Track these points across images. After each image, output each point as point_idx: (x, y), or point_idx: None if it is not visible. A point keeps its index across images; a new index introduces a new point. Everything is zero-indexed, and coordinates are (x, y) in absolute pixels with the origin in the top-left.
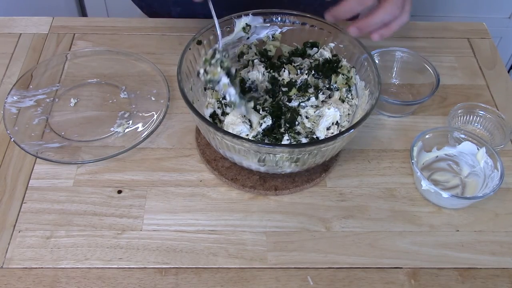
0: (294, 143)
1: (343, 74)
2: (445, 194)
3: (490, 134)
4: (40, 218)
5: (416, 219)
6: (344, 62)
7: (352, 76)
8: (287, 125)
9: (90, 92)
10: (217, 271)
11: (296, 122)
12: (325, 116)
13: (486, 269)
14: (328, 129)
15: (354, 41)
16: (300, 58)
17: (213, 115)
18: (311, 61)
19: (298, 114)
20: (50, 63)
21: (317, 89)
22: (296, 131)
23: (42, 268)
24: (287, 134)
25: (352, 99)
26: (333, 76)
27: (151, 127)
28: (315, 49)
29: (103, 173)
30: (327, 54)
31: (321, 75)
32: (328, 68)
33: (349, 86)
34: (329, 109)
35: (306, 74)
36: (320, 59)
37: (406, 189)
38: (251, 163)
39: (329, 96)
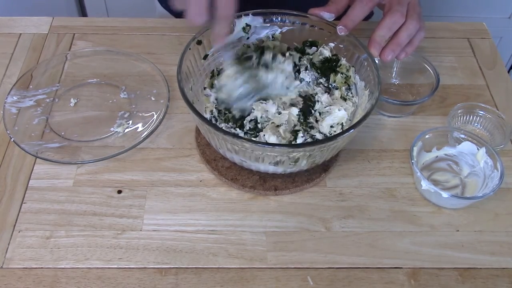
0: (293, 143)
1: (342, 73)
2: (445, 194)
3: (490, 134)
4: (40, 218)
5: (416, 219)
6: (343, 61)
7: (350, 76)
8: (301, 117)
9: (90, 92)
10: (217, 271)
11: (312, 111)
12: (332, 115)
13: (486, 269)
14: (331, 127)
15: (354, 41)
16: (299, 54)
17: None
18: (311, 57)
19: (314, 101)
20: (50, 63)
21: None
22: (310, 124)
23: (42, 268)
24: (301, 131)
25: (353, 96)
26: (332, 75)
27: (151, 127)
28: (314, 48)
29: (103, 173)
30: (327, 53)
31: (319, 73)
32: (327, 67)
33: (348, 85)
34: (339, 110)
35: (305, 69)
36: (320, 57)
37: (406, 189)
38: (252, 163)
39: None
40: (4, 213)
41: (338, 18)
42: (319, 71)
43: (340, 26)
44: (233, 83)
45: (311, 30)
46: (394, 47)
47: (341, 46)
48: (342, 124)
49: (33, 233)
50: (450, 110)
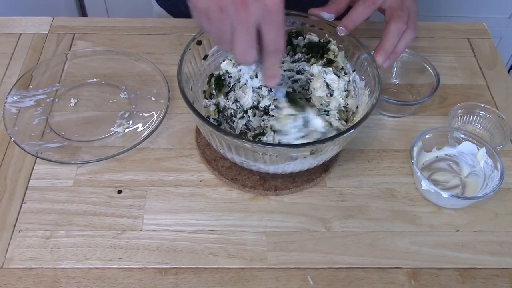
0: (295, 143)
1: (327, 61)
2: (445, 194)
3: (490, 134)
4: (40, 218)
5: (416, 219)
6: (333, 45)
7: (338, 61)
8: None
9: (90, 92)
10: (217, 271)
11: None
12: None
13: (486, 269)
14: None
15: (354, 41)
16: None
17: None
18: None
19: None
20: (50, 63)
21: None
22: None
23: (42, 268)
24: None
25: (345, 74)
26: (312, 59)
27: (151, 127)
28: (300, 38)
29: (103, 173)
30: (315, 39)
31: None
32: (315, 46)
33: (336, 67)
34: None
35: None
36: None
37: (406, 189)
38: (252, 163)
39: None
40: (4, 213)
41: (339, 18)
42: (304, 50)
43: (341, 27)
44: (291, 124)
45: (310, 30)
46: (392, 55)
47: (341, 46)
48: (332, 90)
49: (33, 233)
50: (450, 110)
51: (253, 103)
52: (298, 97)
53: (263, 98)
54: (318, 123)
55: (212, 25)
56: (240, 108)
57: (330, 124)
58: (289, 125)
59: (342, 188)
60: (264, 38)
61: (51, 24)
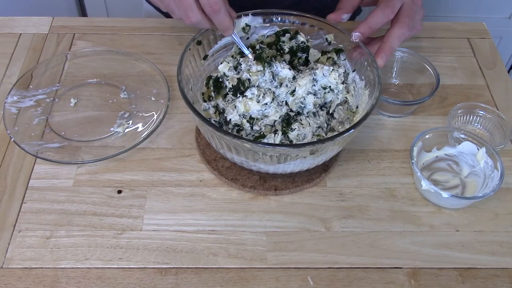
0: (294, 143)
1: (328, 57)
2: (445, 194)
3: (490, 134)
4: (40, 218)
5: (416, 219)
6: (311, 47)
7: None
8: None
9: (90, 92)
10: (217, 271)
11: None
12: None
13: (486, 269)
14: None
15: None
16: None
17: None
18: (284, 44)
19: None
20: (50, 63)
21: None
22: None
23: (42, 268)
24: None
25: (339, 67)
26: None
27: (151, 127)
28: (288, 35)
29: (103, 173)
30: (302, 39)
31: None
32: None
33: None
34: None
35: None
36: (295, 45)
37: (406, 189)
38: (252, 163)
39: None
40: (4, 213)
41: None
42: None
43: (357, 33)
44: (260, 79)
45: (310, 30)
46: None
47: (341, 46)
48: (330, 87)
49: (33, 233)
50: (450, 110)
51: (237, 124)
52: (265, 55)
53: (243, 129)
54: (286, 72)
55: (163, 3)
56: (228, 122)
57: (298, 71)
58: (260, 79)
59: (342, 188)
60: (200, 2)
61: (51, 24)
